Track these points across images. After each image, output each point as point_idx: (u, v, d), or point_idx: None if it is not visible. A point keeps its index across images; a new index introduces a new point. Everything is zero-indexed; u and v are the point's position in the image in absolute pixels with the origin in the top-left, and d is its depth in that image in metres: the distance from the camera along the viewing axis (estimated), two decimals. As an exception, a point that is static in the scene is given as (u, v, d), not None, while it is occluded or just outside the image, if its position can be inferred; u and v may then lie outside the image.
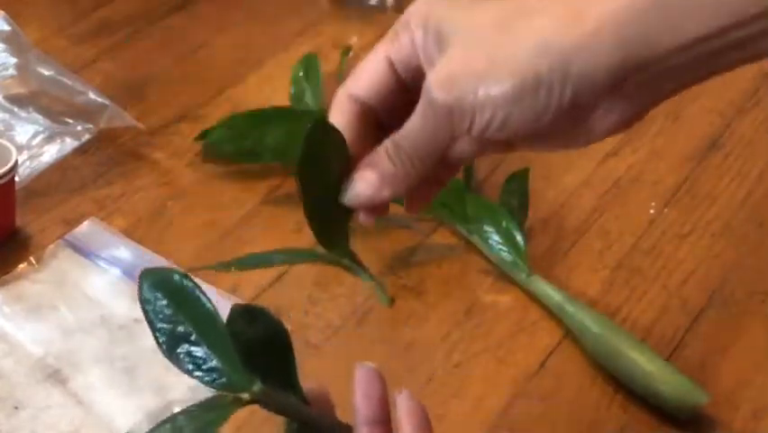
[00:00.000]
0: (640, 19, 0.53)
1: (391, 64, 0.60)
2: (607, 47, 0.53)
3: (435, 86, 0.56)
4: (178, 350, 0.58)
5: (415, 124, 0.58)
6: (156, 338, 0.59)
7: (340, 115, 0.60)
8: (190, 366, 0.58)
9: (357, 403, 0.59)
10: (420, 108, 0.57)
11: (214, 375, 0.57)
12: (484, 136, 0.56)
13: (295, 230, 0.94)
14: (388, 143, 0.59)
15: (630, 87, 0.54)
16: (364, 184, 0.59)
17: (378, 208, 0.61)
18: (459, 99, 0.55)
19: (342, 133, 0.60)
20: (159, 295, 0.59)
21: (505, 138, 0.57)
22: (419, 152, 0.58)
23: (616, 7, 0.53)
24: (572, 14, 0.54)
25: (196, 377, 0.58)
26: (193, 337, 0.58)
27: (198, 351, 0.58)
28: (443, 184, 0.63)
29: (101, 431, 0.78)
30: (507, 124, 0.55)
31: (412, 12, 0.59)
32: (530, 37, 0.54)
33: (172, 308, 0.58)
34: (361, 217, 0.62)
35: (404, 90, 0.60)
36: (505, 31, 0.55)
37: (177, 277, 0.59)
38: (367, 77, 0.60)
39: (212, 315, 0.58)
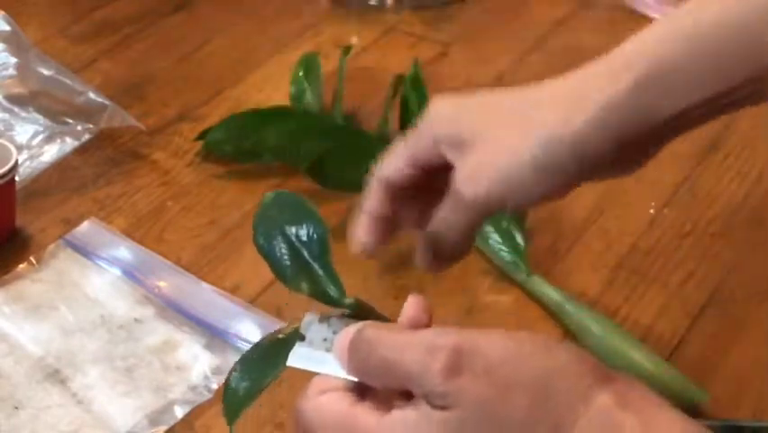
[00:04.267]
0: (638, 99, 0.59)
1: (415, 161, 0.65)
2: (609, 129, 0.59)
3: (464, 185, 0.62)
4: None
5: (444, 216, 0.64)
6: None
7: (375, 199, 0.66)
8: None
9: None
10: (448, 203, 0.63)
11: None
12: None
13: (295, 230, 0.94)
14: (424, 236, 0.65)
15: (630, 150, 0.61)
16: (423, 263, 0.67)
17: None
18: (488, 195, 0.61)
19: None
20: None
21: None
22: (452, 238, 0.64)
23: (614, 92, 0.59)
24: (575, 103, 0.60)
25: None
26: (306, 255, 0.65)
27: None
28: None
29: (101, 431, 0.78)
30: (533, 201, 0.62)
31: (434, 119, 0.65)
32: (540, 133, 0.60)
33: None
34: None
35: (426, 172, 0.65)
36: (516, 126, 0.61)
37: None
38: (393, 170, 0.66)
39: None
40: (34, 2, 1.21)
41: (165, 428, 0.79)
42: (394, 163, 0.66)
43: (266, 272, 0.91)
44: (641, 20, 1.23)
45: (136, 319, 0.86)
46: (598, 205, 0.99)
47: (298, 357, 0.58)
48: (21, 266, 0.90)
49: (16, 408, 0.80)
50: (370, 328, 0.56)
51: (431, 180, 0.65)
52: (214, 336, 0.85)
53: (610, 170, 0.63)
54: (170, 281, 0.89)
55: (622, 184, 1.02)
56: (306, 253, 0.65)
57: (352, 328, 0.56)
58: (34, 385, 0.81)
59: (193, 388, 0.81)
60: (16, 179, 0.92)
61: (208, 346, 0.84)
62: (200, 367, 0.83)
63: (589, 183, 0.61)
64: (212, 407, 0.81)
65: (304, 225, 0.65)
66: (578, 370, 0.51)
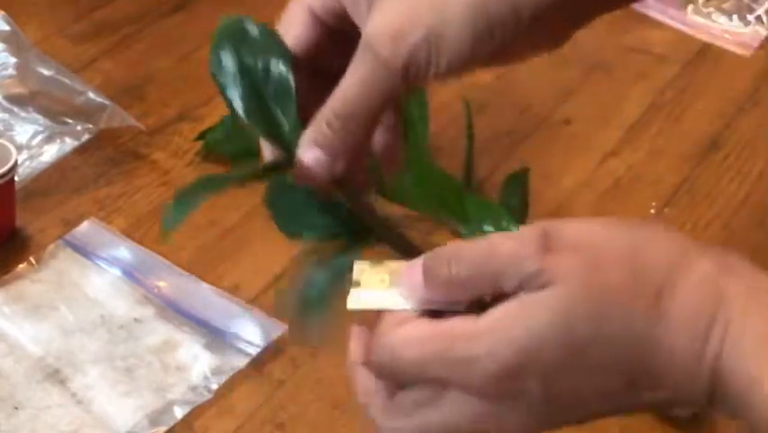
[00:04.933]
0: None
1: (314, 14, 0.58)
2: None
3: (381, 43, 0.53)
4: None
5: (355, 84, 0.54)
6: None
7: None
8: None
9: None
10: (360, 68, 0.54)
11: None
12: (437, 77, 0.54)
13: (295, 230, 0.94)
14: (327, 114, 0.55)
15: (568, 12, 0.56)
16: (315, 165, 0.55)
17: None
18: (413, 55, 0.53)
19: None
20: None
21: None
22: (366, 111, 0.54)
23: None
24: None
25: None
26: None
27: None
28: (399, 130, 0.59)
29: (101, 431, 0.78)
30: (463, 66, 0.54)
31: None
32: None
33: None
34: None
35: (330, 34, 0.58)
36: None
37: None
38: (293, 31, 0.58)
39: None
40: (34, 2, 1.21)
41: (165, 428, 0.79)
42: (293, 25, 0.57)
43: (266, 272, 0.92)
44: (641, 19, 1.23)
45: (136, 319, 0.86)
46: (598, 205, 0.99)
47: (357, 300, 0.54)
48: (21, 266, 0.90)
49: (16, 408, 0.80)
50: (442, 248, 0.51)
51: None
52: (214, 336, 0.85)
53: (543, 38, 0.57)
54: (170, 281, 0.89)
55: (622, 184, 1.02)
56: (266, 90, 0.57)
57: (419, 258, 0.52)
58: (34, 385, 0.81)
59: (193, 388, 0.81)
60: (16, 179, 0.92)
61: (208, 346, 0.84)
62: (200, 367, 0.83)
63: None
64: (212, 407, 0.81)
65: (265, 57, 0.57)
66: (671, 239, 0.50)
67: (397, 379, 0.52)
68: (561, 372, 0.48)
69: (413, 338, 0.50)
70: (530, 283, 0.48)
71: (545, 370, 0.48)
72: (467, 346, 0.49)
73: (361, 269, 0.56)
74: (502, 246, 0.50)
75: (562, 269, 0.48)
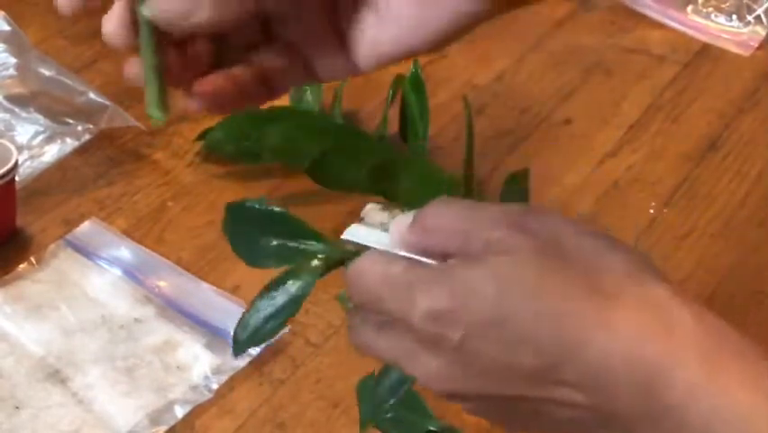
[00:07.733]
0: None
1: None
2: None
3: None
4: None
5: None
6: None
7: None
8: None
9: None
10: None
11: None
12: None
13: (295, 230, 0.94)
14: None
15: None
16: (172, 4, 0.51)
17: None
18: None
19: None
20: None
21: None
22: None
23: None
24: None
25: None
26: None
27: None
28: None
29: (101, 431, 0.78)
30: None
31: None
32: None
33: None
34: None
35: None
36: None
37: None
38: None
39: None
40: (35, 2, 1.21)
41: (165, 427, 0.79)
42: None
43: (266, 272, 0.92)
44: (641, 20, 1.23)
45: (136, 319, 0.87)
46: (597, 205, 0.99)
47: (352, 233, 0.57)
48: (21, 266, 0.90)
49: (17, 407, 0.80)
50: (440, 199, 0.54)
51: None
52: (215, 335, 0.85)
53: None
54: (171, 281, 0.90)
55: (621, 184, 1.02)
56: None
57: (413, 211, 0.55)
58: (35, 385, 0.81)
59: (193, 388, 0.82)
60: (17, 179, 0.92)
61: (208, 346, 0.85)
62: (200, 367, 0.83)
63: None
64: (212, 406, 0.81)
65: None
66: (636, 260, 0.51)
67: (354, 300, 0.54)
68: (483, 330, 0.49)
69: (376, 265, 0.53)
70: (491, 249, 0.50)
71: (470, 322, 0.50)
72: (412, 280, 0.51)
73: (371, 208, 0.58)
74: (485, 210, 0.52)
75: (518, 242, 0.50)
